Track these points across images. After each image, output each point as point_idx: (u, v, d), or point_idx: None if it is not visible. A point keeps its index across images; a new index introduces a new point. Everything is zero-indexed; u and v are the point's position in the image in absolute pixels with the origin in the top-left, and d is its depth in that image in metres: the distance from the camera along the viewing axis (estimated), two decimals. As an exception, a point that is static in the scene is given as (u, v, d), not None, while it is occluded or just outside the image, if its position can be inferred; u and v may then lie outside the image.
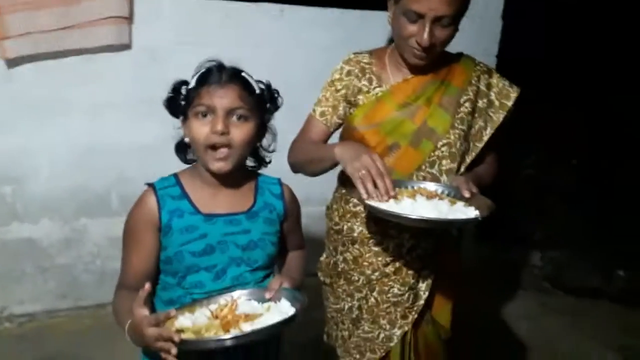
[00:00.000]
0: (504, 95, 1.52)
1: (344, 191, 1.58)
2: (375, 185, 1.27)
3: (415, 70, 1.47)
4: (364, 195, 1.27)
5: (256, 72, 1.30)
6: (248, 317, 1.07)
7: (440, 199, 1.33)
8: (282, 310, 1.10)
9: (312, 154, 1.50)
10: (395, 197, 1.30)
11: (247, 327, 1.03)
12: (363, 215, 1.53)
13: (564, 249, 3.73)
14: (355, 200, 1.53)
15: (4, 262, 2.54)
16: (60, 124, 2.48)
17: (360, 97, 1.50)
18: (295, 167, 1.57)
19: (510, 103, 1.52)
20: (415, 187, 1.40)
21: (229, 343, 0.97)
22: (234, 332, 1.01)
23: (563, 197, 4.17)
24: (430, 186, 1.41)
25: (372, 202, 1.27)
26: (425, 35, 1.32)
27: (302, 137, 1.60)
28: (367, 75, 1.51)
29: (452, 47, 1.55)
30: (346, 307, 1.61)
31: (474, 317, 2.70)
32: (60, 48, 2.36)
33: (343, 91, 1.52)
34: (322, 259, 1.70)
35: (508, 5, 3.15)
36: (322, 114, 1.56)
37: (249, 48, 2.66)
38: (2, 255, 2.53)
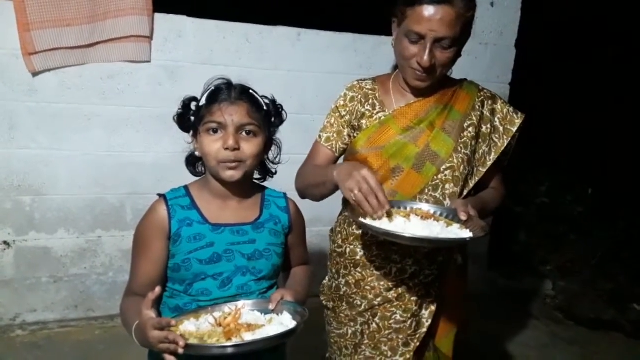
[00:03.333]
0: (508, 121, 1.53)
1: (347, 214, 1.58)
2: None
3: (418, 94, 1.49)
4: (361, 212, 1.27)
5: (272, 93, 1.36)
6: (250, 327, 1.10)
7: (436, 220, 1.33)
8: (284, 322, 1.13)
9: (315, 178, 1.50)
10: (389, 215, 1.30)
11: (248, 337, 1.06)
12: (366, 238, 1.53)
13: (576, 278, 3.67)
14: None
15: (19, 270, 2.60)
16: (80, 137, 2.56)
17: (363, 121, 1.52)
18: (301, 192, 1.58)
19: (514, 129, 1.52)
20: (413, 208, 1.40)
21: (230, 351, 1.00)
22: (235, 341, 1.04)
23: (577, 226, 4.12)
24: (427, 207, 1.40)
25: (364, 220, 1.28)
26: (426, 57, 1.34)
27: (308, 163, 1.62)
28: (371, 101, 1.53)
29: (466, 74, 1.58)
30: (349, 332, 1.59)
31: (482, 344, 2.69)
32: (84, 63, 2.46)
33: (347, 117, 1.54)
34: (324, 282, 1.69)
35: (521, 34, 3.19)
36: (328, 139, 1.58)
37: (266, 70, 2.75)
38: (18, 263, 2.59)
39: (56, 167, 2.56)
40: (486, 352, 2.70)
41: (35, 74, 2.41)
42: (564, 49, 4.53)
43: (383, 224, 1.26)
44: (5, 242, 2.56)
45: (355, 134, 1.53)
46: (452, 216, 1.36)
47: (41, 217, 2.59)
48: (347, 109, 1.54)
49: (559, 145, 4.30)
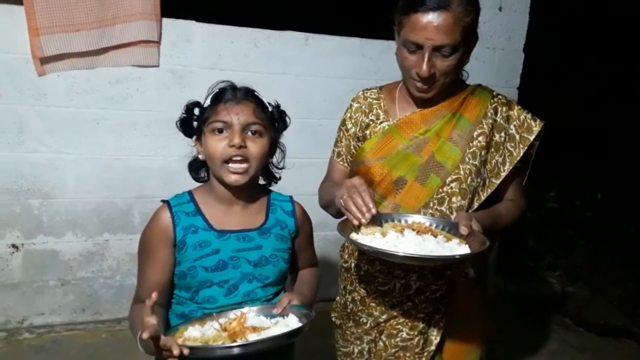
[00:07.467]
0: (525, 129, 1.43)
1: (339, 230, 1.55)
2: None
3: (423, 103, 1.42)
4: (350, 218, 1.22)
5: (280, 97, 1.35)
6: (255, 329, 1.09)
7: (434, 235, 1.24)
8: (290, 324, 1.12)
9: (327, 197, 1.48)
10: (380, 224, 1.26)
11: (253, 337, 1.05)
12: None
13: (586, 284, 3.64)
14: None
15: (27, 273, 2.61)
16: (88, 141, 2.57)
17: (367, 131, 1.48)
18: (325, 211, 1.55)
19: (532, 137, 1.42)
20: (413, 222, 1.33)
21: (235, 351, 0.99)
22: (240, 341, 1.03)
23: (586, 232, 4.09)
24: (427, 221, 1.33)
25: (354, 236, 1.22)
26: (424, 66, 1.28)
27: (326, 179, 1.60)
28: (375, 110, 1.49)
29: (474, 79, 1.54)
30: (356, 350, 1.55)
31: (490, 350, 2.65)
32: (93, 67, 2.47)
33: (353, 129, 1.51)
34: (337, 299, 1.65)
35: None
36: (339, 154, 1.57)
37: (274, 74, 2.75)
38: (26, 266, 2.60)
39: (64, 171, 2.57)
40: (494, 359, 2.67)
41: (44, 78, 2.42)
42: (573, 53, 4.51)
43: (374, 241, 1.19)
44: (13, 245, 2.57)
45: (359, 144, 1.50)
46: (453, 230, 1.27)
47: (49, 221, 2.60)
48: (352, 121, 1.52)
49: (567, 150, 4.27)
